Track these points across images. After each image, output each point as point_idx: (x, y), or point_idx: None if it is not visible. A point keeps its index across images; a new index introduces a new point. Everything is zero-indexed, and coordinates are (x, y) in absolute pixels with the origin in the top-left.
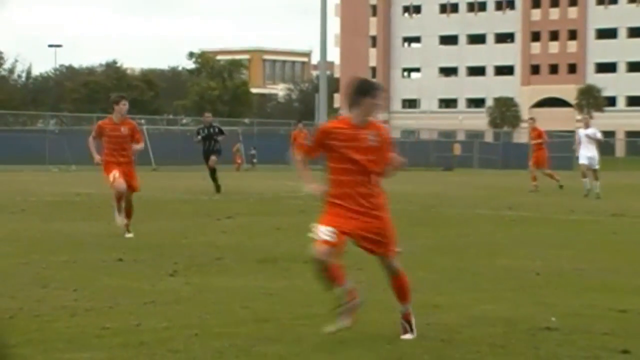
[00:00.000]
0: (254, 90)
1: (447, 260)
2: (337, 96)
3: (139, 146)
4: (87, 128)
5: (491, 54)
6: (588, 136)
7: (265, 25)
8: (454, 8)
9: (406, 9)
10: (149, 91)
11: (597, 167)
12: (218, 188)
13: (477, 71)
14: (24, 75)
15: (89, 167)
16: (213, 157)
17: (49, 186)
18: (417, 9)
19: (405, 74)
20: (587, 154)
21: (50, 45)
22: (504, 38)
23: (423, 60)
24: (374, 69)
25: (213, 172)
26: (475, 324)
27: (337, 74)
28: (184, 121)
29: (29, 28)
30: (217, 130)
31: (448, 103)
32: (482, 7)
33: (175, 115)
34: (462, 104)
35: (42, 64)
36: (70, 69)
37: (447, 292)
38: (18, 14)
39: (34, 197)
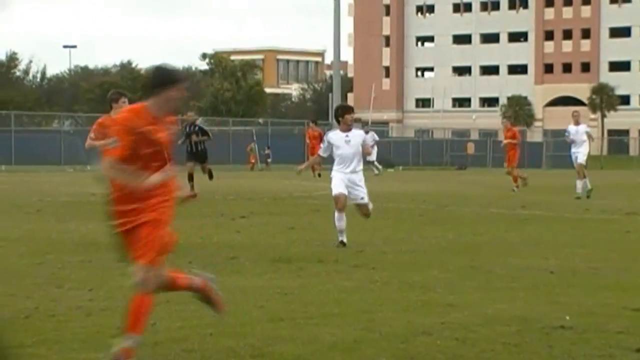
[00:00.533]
0: (267, 90)
1: (461, 259)
2: (350, 96)
3: None
4: None
5: (504, 53)
6: (579, 133)
7: (279, 25)
8: (468, 7)
9: (419, 8)
10: None
11: (583, 162)
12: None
13: (490, 70)
14: (38, 76)
15: None
16: (204, 166)
17: (65, 186)
18: (430, 9)
19: (419, 73)
20: (575, 150)
21: (65, 46)
22: (518, 37)
23: (436, 59)
24: (387, 69)
25: (210, 174)
26: (489, 323)
27: (350, 74)
28: (199, 121)
29: (44, 29)
30: (196, 129)
31: (462, 102)
32: (496, 6)
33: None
34: (475, 103)
35: (57, 65)
36: (84, 69)
37: (460, 291)
38: (32, 15)
39: (49, 198)
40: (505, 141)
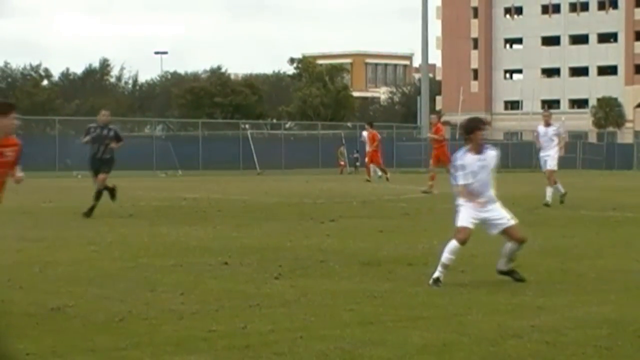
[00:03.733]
0: (356, 94)
1: (551, 261)
2: (439, 99)
3: None
4: (192, 133)
5: (594, 54)
6: (548, 135)
7: (367, 29)
8: (556, 8)
9: (508, 10)
10: (253, 96)
11: (554, 168)
12: (94, 205)
13: (579, 72)
14: (131, 82)
15: (195, 172)
16: (102, 176)
17: (156, 191)
18: (518, 10)
19: (507, 75)
20: (544, 154)
21: (156, 52)
22: (607, 38)
23: (525, 61)
24: (475, 71)
25: (99, 192)
26: (579, 326)
27: (438, 77)
28: (288, 125)
29: (135, 35)
30: (111, 134)
31: (551, 104)
32: (585, 7)
33: (279, 120)
34: (565, 105)
35: (149, 71)
36: (175, 75)
37: (551, 294)
38: (124, 22)
39: (142, 202)
40: (430, 135)
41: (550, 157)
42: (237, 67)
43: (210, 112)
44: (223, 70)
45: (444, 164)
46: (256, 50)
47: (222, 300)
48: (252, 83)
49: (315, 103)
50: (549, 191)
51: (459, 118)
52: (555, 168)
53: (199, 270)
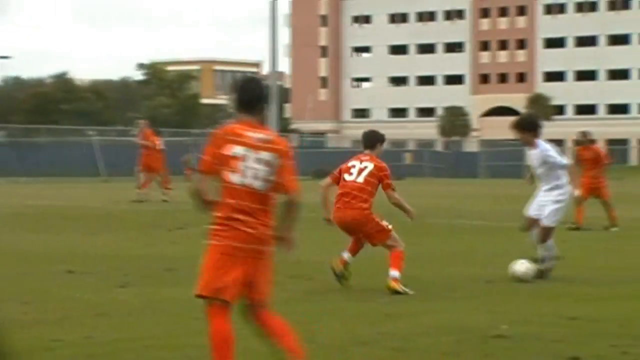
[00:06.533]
0: (205, 101)
1: None
2: (288, 106)
3: None
4: (37, 140)
5: (441, 64)
6: None
7: (216, 36)
8: (404, 18)
9: (356, 18)
10: (98, 102)
11: None
12: None
13: (427, 80)
14: None
15: (39, 180)
16: None
17: (1, 198)
18: (366, 19)
19: (355, 83)
20: None
21: None
22: (453, 47)
23: (373, 69)
24: (324, 79)
25: None
26: (427, 333)
27: (287, 85)
28: (134, 132)
29: None
30: None
31: (398, 112)
32: (432, 16)
33: (127, 127)
34: (412, 114)
35: None
36: (17, 80)
37: (399, 301)
38: None
39: None
40: (140, 142)
41: None
42: (85, 72)
43: (56, 118)
44: (69, 76)
45: (156, 170)
46: (104, 56)
47: (67, 310)
48: (98, 89)
49: (164, 110)
50: None
51: (307, 126)
52: None
53: (42, 279)
